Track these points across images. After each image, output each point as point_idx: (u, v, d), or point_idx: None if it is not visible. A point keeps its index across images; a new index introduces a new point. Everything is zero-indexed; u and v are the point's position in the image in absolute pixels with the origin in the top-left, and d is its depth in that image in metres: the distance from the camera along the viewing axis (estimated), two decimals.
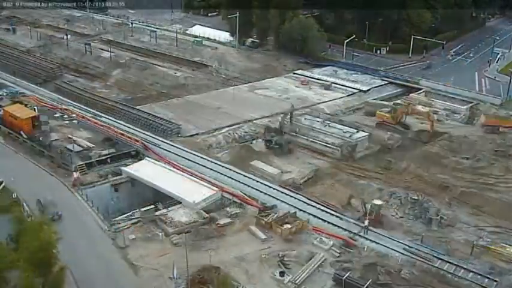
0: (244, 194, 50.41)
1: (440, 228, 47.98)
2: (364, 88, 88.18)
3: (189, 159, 57.71)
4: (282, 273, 39.68)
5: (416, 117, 71.00)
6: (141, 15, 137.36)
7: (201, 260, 40.09)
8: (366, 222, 45.30)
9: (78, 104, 74.36)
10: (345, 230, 45.46)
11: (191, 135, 66.24)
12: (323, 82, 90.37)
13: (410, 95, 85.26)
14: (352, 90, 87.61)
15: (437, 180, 56.95)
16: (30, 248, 31.59)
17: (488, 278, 39.86)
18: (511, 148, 63.72)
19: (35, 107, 68.93)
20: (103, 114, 70.64)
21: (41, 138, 59.31)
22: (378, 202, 48.72)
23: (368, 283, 37.90)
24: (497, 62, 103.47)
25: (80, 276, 38.24)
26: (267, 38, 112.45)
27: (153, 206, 47.81)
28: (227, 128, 68.98)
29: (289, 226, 44.43)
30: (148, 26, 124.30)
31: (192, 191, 49.56)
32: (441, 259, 41.64)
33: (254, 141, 66.09)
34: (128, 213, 48.02)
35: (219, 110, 75.86)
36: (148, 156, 58.00)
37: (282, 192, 51.77)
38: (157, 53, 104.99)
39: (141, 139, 61.50)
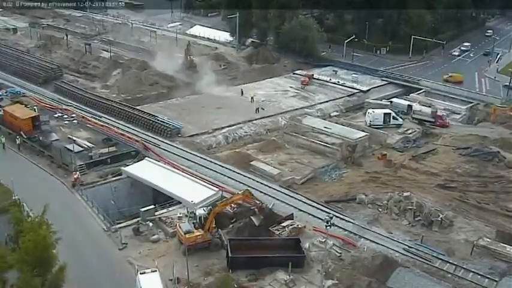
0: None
1: (441, 229, 47.77)
2: (364, 88, 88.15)
3: (189, 159, 57.68)
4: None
5: None
6: (141, 16, 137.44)
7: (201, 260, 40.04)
8: None
9: (78, 104, 74.37)
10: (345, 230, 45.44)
11: (191, 135, 66.19)
12: (323, 82, 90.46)
13: (411, 95, 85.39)
14: (352, 90, 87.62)
15: None
16: (29, 248, 31.54)
17: (488, 278, 39.83)
18: None
19: (35, 107, 68.89)
20: (103, 114, 70.64)
21: (41, 138, 59.26)
22: None
23: None
24: (497, 62, 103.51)
25: (79, 276, 38.18)
26: (267, 38, 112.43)
27: (153, 206, 47.78)
28: (227, 128, 69.00)
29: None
30: (149, 26, 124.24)
31: (192, 191, 49.49)
32: (441, 259, 41.60)
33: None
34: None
35: (219, 110, 75.81)
36: (148, 156, 58.00)
37: (282, 192, 51.68)
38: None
39: (141, 139, 61.49)
